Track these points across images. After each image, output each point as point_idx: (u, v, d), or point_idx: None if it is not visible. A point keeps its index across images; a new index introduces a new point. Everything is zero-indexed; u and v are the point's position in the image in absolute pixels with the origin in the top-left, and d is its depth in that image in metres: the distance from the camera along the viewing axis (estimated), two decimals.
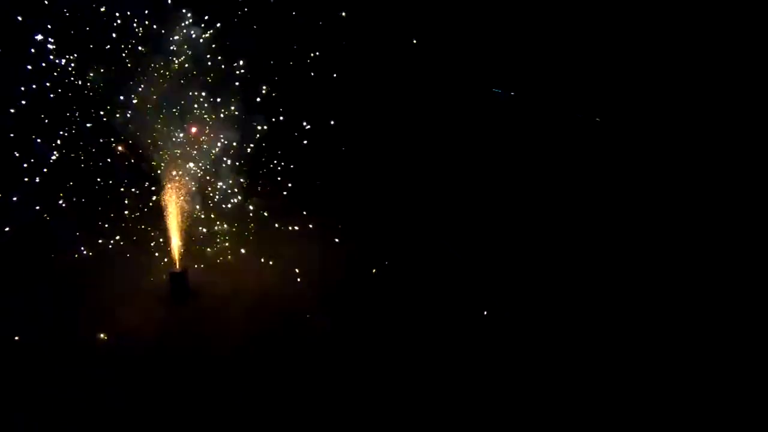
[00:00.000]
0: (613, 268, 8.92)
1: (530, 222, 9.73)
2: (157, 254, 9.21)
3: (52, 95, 9.86)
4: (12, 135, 9.77)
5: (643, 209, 9.35)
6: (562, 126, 10.03)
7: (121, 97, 9.68)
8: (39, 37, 9.33)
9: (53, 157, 9.81)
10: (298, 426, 6.51)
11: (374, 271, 9.54)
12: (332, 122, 10.60)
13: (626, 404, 7.36)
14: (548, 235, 9.53)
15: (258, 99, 10.33)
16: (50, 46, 9.45)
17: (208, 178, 10.03)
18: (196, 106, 9.81)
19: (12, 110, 9.61)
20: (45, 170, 9.61)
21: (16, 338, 7.20)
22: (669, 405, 7.33)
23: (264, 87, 10.36)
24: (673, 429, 7.17)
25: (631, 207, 9.41)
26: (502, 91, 9.94)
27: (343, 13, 10.16)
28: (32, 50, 9.40)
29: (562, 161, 10.01)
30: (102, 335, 7.38)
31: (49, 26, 9.36)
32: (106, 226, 9.66)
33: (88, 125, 9.92)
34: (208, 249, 9.55)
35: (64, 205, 9.73)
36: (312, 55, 10.44)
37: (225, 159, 10.13)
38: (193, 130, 9.26)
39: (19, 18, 9.19)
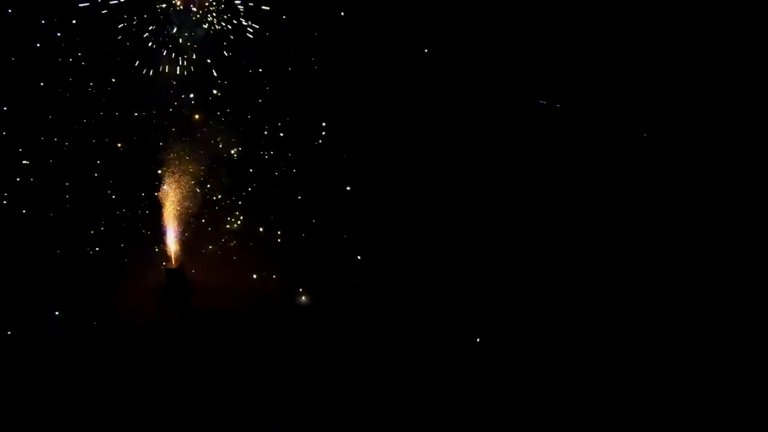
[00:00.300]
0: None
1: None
2: (155, 251, 9.19)
3: (52, 94, 9.91)
4: (13, 134, 9.82)
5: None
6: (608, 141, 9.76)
7: (123, 96, 9.74)
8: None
9: (54, 156, 9.84)
10: (285, 418, 6.49)
11: (372, 274, 9.49)
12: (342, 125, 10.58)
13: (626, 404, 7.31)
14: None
15: (260, 101, 10.36)
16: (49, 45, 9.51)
17: (209, 178, 10.04)
18: (197, 105, 9.86)
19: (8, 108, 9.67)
20: (47, 169, 9.66)
21: (9, 333, 7.20)
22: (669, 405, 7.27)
23: (267, 88, 10.39)
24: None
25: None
26: (547, 102, 9.78)
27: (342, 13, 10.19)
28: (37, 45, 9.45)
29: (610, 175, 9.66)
30: (95, 323, 7.38)
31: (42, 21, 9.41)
32: (104, 224, 9.67)
33: (85, 123, 9.95)
34: (210, 247, 9.59)
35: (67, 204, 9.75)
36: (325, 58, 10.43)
37: (227, 160, 10.16)
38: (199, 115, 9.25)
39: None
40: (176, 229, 8.75)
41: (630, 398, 7.43)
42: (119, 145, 9.88)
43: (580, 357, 7.93)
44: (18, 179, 9.71)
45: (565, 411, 7.34)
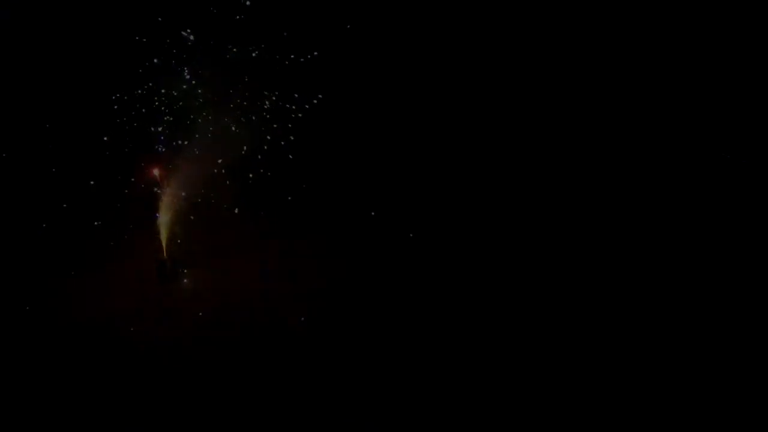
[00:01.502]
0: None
1: None
2: (146, 241, 8.98)
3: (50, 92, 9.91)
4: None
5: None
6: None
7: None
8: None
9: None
10: (268, 409, 6.43)
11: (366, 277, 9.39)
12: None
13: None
14: None
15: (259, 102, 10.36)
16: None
17: (203, 171, 9.98)
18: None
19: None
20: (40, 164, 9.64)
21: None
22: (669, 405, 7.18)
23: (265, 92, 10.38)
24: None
25: None
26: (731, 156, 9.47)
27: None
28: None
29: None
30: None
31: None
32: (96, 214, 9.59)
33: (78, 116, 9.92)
34: (203, 240, 9.42)
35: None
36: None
37: (222, 154, 10.11)
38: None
39: None
40: (169, 220, 8.69)
41: (630, 398, 7.35)
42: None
43: (580, 357, 7.86)
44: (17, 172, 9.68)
45: (566, 411, 7.25)
